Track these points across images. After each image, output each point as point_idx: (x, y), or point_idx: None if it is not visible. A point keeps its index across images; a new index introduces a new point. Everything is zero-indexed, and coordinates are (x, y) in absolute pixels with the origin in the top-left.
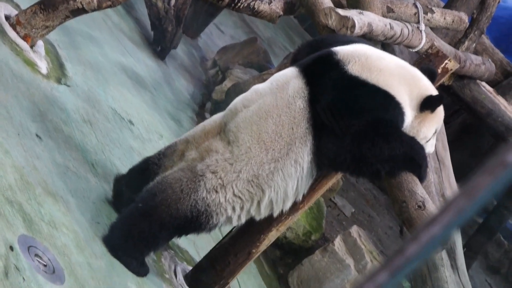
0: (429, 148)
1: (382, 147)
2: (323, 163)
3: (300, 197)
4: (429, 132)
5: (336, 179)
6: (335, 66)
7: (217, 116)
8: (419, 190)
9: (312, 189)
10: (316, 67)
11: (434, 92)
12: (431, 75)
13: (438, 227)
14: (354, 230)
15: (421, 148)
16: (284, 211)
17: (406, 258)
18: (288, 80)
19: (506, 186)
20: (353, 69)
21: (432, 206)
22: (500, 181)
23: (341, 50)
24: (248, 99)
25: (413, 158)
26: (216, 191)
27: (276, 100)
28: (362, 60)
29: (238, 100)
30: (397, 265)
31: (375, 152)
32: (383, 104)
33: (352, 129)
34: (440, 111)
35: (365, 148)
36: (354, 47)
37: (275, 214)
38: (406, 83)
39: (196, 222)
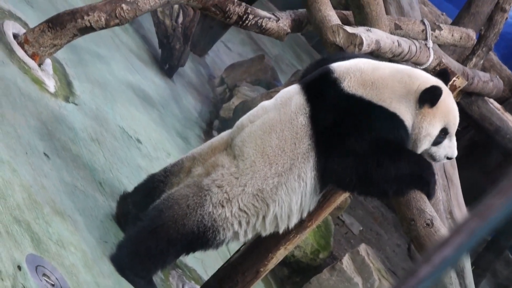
0: (446, 150)
1: (388, 168)
2: (329, 181)
3: (305, 214)
4: (433, 129)
5: (344, 197)
6: (333, 84)
7: (225, 133)
8: (428, 208)
9: (320, 207)
10: (316, 84)
11: (434, 84)
12: (444, 75)
13: (450, 249)
14: (362, 248)
15: (428, 165)
16: (289, 227)
17: (418, 280)
18: (291, 96)
19: None
20: (349, 86)
21: (441, 224)
22: None
23: (338, 67)
24: (254, 115)
25: (421, 176)
26: (222, 206)
27: (279, 115)
28: (357, 75)
29: (245, 117)
30: (410, 287)
31: (381, 173)
32: (381, 121)
33: (355, 149)
34: (446, 105)
35: (371, 169)
36: (351, 62)
37: (281, 230)
38: (401, 86)
39: (203, 238)
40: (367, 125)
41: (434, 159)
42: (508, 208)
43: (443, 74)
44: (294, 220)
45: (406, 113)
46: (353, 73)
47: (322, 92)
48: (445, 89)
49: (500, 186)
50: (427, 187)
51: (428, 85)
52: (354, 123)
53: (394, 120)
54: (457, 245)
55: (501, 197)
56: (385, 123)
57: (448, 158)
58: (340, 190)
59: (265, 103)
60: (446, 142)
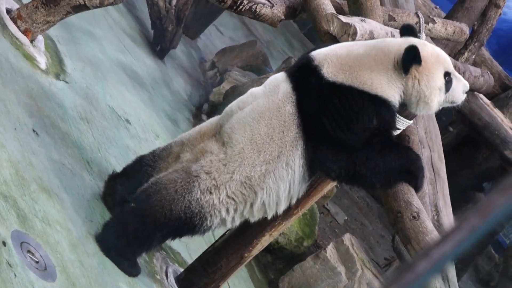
0: (460, 87)
1: (376, 161)
2: (316, 170)
3: (294, 201)
4: (437, 80)
5: (331, 186)
6: (314, 72)
7: (214, 119)
8: (415, 201)
9: (307, 195)
10: (299, 73)
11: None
12: (410, 31)
13: (450, 245)
14: (347, 238)
15: (417, 158)
16: (278, 213)
17: (416, 274)
18: (278, 84)
19: None
20: (328, 72)
21: (426, 217)
22: None
23: (317, 55)
24: (243, 101)
25: (410, 169)
26: (210, 192)
27: (268, 103)
28: (334, 61)
29: (234, 103)
30: (407, 282)
31: (369, 165)
32: (364, 107)
33: (342, 140)
34: (430, 54)
35: (359, 162)
36: (328, 48)
37: (269, 217)
38: (379, 63)
39: (190, 224)
40: (351, 113)
41: (456, 101)
42: (510, 207)
43: (407, 29)
44: (283, 207)
45: (390, 88)
46: (330, 58)
47: (306, 81)
48: (418, 42)
49: (502, 183)
50: (415, 180)
51: (402, 51)
52: (338, 112)
53: (377, 103)
54: (457, 241)
55: (503, 195)
56: (369, 110)
57: (466, 92)
58: (328, 179)
59: (255, 90)
60: (454, 81)
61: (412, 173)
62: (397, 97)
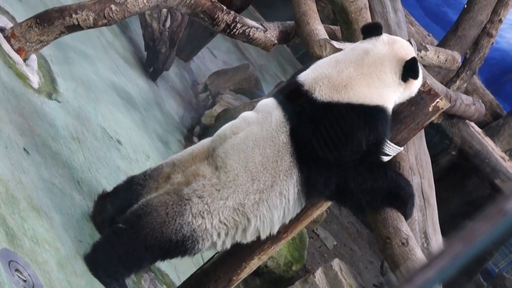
0: None
1: (365, 177)
2: (313, 193)
3: (287, 222)
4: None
5: (320, 211)
6: (305, 97)
7: (205, 141)
8: (404, 227)
9: (297, 219)
10: (290, 100)
11: (408, 56)
12: (376, 29)
13: (433, 271)
14: (336, 263)
15: (408, 185)
16: (271, 235)
17: None
18: (270, 111)
19: (504, 233)
20: (322, 95)
21: (415, 244)
22: (498, 229)
23: (305, 79)
24: (237, 126)
25: (399, 194)
26: (202, 217)
27: (262, 131)
28: (326, 82)
29: (227, 127)
30: None
31: (358, 181)
32: (365, 119)
33: (338, 155)
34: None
35: (349, 177)
36: (314, 71)
37: (262, 238)
38: (375, 79)
39: (181, 247)
40: (347, 129)
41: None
42: (493, 234)
43: (372, 28)
44: (276, 229)
45: (389, 97)
46: (321, 81)
47: (297, 108)
48: (402, 46)
49: (486, 211)
50: (404, 207)
51: (397, 62)
52: (334, 130)
53: (375, 114)
54: (440, 267)
55: (487, 223)
56: (366, 122)
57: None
58: (321, 200)
59: (247, 115)
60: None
61: (401, 198)
62: (393, 105)
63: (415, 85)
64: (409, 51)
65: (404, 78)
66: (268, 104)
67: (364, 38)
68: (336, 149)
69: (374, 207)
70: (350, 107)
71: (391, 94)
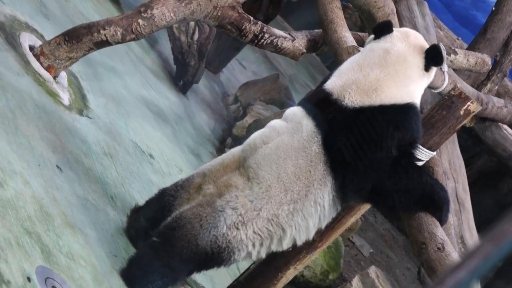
0: None
1: (400, 176)
2: (349, 197)
3: (323, 227)
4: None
5: (355, 218)
6: (335, 105)
7: (235, 150)
8: (439, 232)
9: (331, 228)
10: (320, 109)
11: (424, 45)
12: (388, 27)
13: (464, 272)
14: (372, 270)
15: (443, 190)
16: (308, 241)
17: None
18: (300, 121)
19: None
20: (352, 101)
21: (452, 249)
22: None
23: (333, 87)
24: (266, 135)
25: (433, 198)
26: (237, 228)
27: (293, 142)
28: (355, 88)
29: (257, 136)
30: None
31: (393, 181)
32: (400, 119)
33: (376, 162)
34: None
35: (384, 176)
36: (339, 78)
37: (299, 244)
38: (402, 77)
39: (217, 258)
40: (386, 128)
41: None
42: None
43: (383, 26)
44: (312, 235)
45: (418, 93)
46: (349, 87)
47: (328, 117)
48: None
49: None
50: (439, 212)
51: (422, 54)
52: (371, 132)
53: (411, 110)
54: (471, 268)
55: None
56: (404, 119)
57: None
58: (356, 200)
59: (276, 124)
60: None
61: (435, 203)
62: (420, 98)
63: (433, 71)
64: (423, 40)
65: (427, 68)
66: (297, 114)
67: (376, 37)
68: (374, 153)
69: (408, 209)
70: (383, 109)
71: (418, 88)
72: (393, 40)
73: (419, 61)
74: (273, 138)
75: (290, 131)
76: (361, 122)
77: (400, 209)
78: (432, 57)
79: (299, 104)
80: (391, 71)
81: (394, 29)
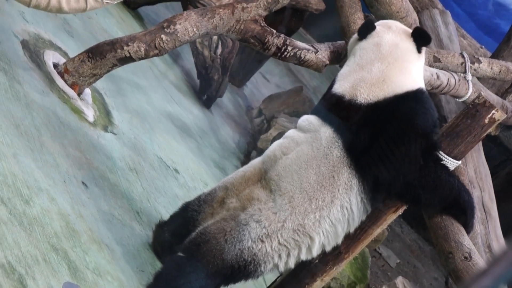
0: None
1: (428, 172)
2: (379, 196)
3: (352, 230)
4: None
5: (381, 229)
6: (349, 106)
7: (256, 162)
8: (466, 241)
9: (358, 239)
10: (335, 114)
11: (407, 29)
12: (371, 26)
13: (489, 279)
14: (399, 281)
15: (468, 195)
16: (337, 245)
17: None
18: (317, 129)
19: None
20: (366, 98)
21: (479, 258)
22: None
23: (342, 90)
24: (286, 146)
25: (458, 201)
26: (262, 241)
27: (313, 151)
28: (363, 86)
29: (275, 147)
30: None
31: (421, 174)
32: (417, 105)
33: (404, 153)
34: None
35: (413, 172)
36: (346, 80)
37: (328, 250)
38: (403, 62)
39: (244, 271)
40: (407, 117)
41: None
42: None
43: (367, 26)
44: (342, 239)
45: (419, 73)
46: (359, 86)
47: (346, 119)
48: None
49: None
50: (464, 216)
51: (409, 37)
52: (393, 124)
53: (423, 94)
54: (496, 275)
55: None
56: (420, 104)
57: None
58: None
59: (294, 134)
60: None
61: (460, 206)
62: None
63: (424, 51)
64: (403, 26)
65: (419, 49)
66: (313, 122)
67: (362, 38)
68: (401, 144)
69: (433, 207)
70: (398, 99)
71: (419, 71)
72: (379, 34)
73: (410, 45)
74: (292, 148)
75: (309, 140)
76: (381, 116)
77: (425, 206)
78: (420, 38)
79: (313, 112)
80: (391, 60)
81: (376, 25)
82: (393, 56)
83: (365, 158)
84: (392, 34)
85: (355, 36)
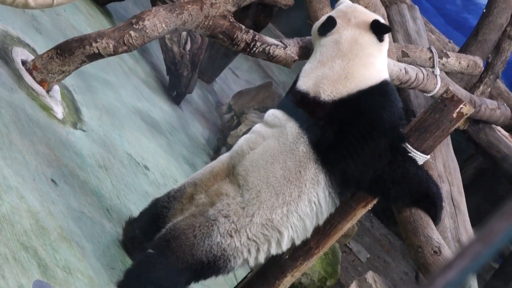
0: None
1: (396, 166)
2: (347, 190)
3: (321, 223)
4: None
5: (351, 224)
6: (314, 103)
7: (224, 157)
8: (435, 235)
9: (328, 234)
10: (301, 111)
11: (367, 19)
12: (332, 23)
13: (454, 272)
14: (370, 275)
15: (437, 187)
16: (307, 238)
17: None
18: (283, 124)
19: None
20: (329, 95)
21: (448, 252)
22: None
23: (306, 87)
24: (253, 141)
25: (427, 194)
26: (231, 236)
27: (279, 145)
28: (326, 83)
29: (243, 142)
30: None
31: (390, 169)
32: (381, 99)
33: (371, 148)
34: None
35: (381, 166)
36: (308, 77)
37: (298, 243)
38: (364, 56)
39: (214, 267)
40: (372, 111)
41: None
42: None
43: (328, 24)
44: (311, 233)
45: (383, 65)
46: (321, 83)
47: (311, 116)
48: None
49: (503, 209)
50: (434, 208)
51: (368, 28)
52: (358, 120)
53: (387, 86)
54: (461, 268)
55: (505, 221)
56: (385, 97)
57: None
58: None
59: (261, 129)
60: None
61: (429, 199)
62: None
63: (387, 37)
64: (363, 14)
65: (380, 38)
66: (278, 117)
67: (323, 35)
68: (368, 139)
69: (402, 200)
70: (362, 94)
71: (382, 62)
72: (338, 30)
73: (370, 37)
74: (259, 143)
75: (275, 135)
76: (346, 112)
77: (395, 200)
78: (379, 28)
79: (278, 106)
80: (351, 56)
81: (337, 20)
82: (353, 52)
83: (332, 153)
84: (350, 30)
85: (315, 28)
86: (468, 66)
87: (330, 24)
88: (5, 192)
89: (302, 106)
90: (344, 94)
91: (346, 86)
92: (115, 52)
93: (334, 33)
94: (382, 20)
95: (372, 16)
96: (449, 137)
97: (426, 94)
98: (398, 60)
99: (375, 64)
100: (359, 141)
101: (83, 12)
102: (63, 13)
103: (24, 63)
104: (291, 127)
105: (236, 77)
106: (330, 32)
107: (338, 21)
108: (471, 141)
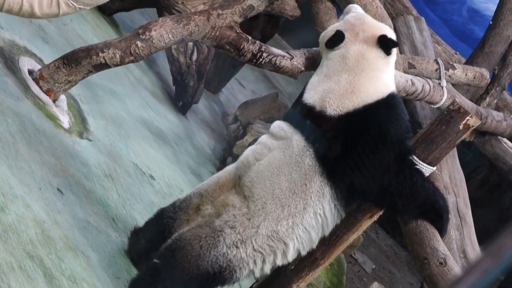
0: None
1: (403, 179)
2: (352, 203)
3: (327, 234)
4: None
5: (357, 235)
6: (320, 117)
7: (230, 168)
8: (441, 247)
9: (333, 245)
10: (307, 124)
11: (375, 32)
12: (340, 38)
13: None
14: (375, 286)
15: (443, 200)
16: (312, 249)
17: None
18: (289, 137)
19: None
20: (335, 109)
21: (454, 263)
22: None
23: (313, 101)
24: (259, 152)
25: (434, 206)
26: (237, 247)
27: (285, 157)
28: (332, 97)
29: (249, 153)
30: None
31: (397, 181)
32: (388, 113)
33: (378, 162)
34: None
35: (388, 179)
36: (314, 90)
37: (303, 254)
38: (370, 70)
39: (220, 278)
40: (379, 126)
41: None
42: None
43: (336, 39)
44: (317, 244)
45: (389, 78)
46: (327, 97)
47: (317, 129)
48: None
49: None
50: (440, 220)
51: (376, 43)
52: (365, 134)
53: (394, 100)
54: (471, 284)
55: None
56: (391, 111)
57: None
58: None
59: (267, 141)
60: None
61: (436, 211)
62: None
63: (395, 51)
64: (372, 28)
65: (388, 52)
66: (284, 129)
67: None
68: (375, 153)
69: (409, 212)
70: (368, 108)
71: (389, 75)
72: (346, 45)
73: (377, 51)
74: (265, 154)
75: (281, 147)
76: (352, 126)
77: (402, 212)
78: (387, 43)
79: (284, 118)
80: (358, 71)
81: (346, 34)
82: (359, 67)
83: (338, 167)
84: (357, 45)
85: (323, 39)
86: (474, 78)
87: (338, 38)
88: (11, 201)
89: (308, 119)
90: (350, 109)
91: (352, 100)
92: (122, 62)
93: (341, 47)
94: (390, 33)
95: (380, 28)
96: (455, 149)
97: (432, 106)
98: (405, 72)
99: (382, 78)
100: (366, 155)
101: (89, 22)
102: (70, 23)
103: (30, 72)
104: (297, 140)
105: (242, 88)
106: (337, 46)
107: (346, 34)
108: (477, 153)
